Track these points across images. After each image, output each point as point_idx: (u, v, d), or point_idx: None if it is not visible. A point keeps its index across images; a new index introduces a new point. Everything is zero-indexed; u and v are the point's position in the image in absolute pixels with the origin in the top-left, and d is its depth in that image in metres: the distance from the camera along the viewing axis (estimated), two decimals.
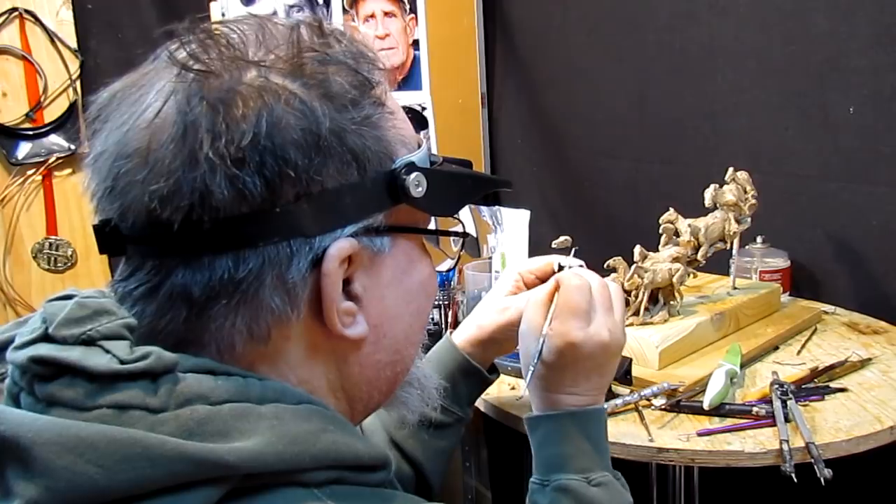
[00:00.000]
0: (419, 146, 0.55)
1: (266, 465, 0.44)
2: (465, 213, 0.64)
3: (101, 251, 0.50)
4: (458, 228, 0.63)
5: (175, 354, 0.46)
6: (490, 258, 1.65)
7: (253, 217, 0.46)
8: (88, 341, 0.45)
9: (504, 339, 0.91)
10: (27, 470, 0.41)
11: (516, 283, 0.93)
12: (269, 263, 0.47)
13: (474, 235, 0.68)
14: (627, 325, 1.21)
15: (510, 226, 1.68)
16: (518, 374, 1.20)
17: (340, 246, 0.49)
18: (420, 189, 0.52)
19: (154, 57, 0.51)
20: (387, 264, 0.54)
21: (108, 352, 0.44)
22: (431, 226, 0.60)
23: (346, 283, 0.51)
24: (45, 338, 0.45)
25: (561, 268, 0.89)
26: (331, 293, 0.50)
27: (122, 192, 0.47)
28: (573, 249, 0.92)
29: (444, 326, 1.63)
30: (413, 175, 0.52)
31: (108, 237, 0.49)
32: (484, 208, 0.67)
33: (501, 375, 1.02)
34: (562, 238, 0.91)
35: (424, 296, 0.59)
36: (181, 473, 0.41)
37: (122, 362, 0.44)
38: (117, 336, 0.46)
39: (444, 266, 0.64)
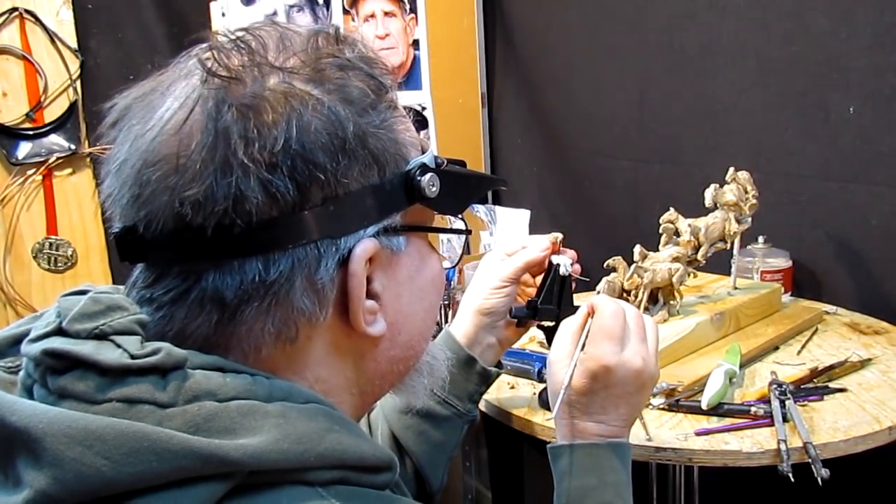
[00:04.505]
0: (423, 148, 0.57)
1: (271, 463, 0.44)
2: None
3: (122, 258, 0.51)
4: (461, 226, 0.64)
5: (185, 351, 0.47)
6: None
7: (283, 220, 0.47)
8: (101, 336, 0.46)
9: (494, 310, 0.91)
10: (37, 460, 0.41)
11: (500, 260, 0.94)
12: (298, 265, 0.49)
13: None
14: None
15: (510, 226, 1.68)
16: (519, 374, 1.20)
17: (365, 246, 0.51)
18: (434, 189, 0.54)
19: (175, 62, 0.52)
20: (403, 263, 0.56)
21: (119, 346, 0.45)
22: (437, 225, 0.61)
23: (367, 282, 0.53)
24: (59, 331, 0.46)
25: (552, 264, 0.89)
26: (357, 292, 0.51)
27: (149, 200, 0.48)
28: (559, 238, 0.93)
29: (444, 326, 1.63)
30: (428, 176, 0.54)
31: (130, 244, 0.50)
32: (479, 206, 0.69)
33: (502, 375, 1.02)
34: (553, 235, 0.92)
35: (435, 292, 0.61)
36: (187, 468, 0.42)
37: (132, 357, 0.45)
38: (129, 331, 0.46)
39: (445, 264, 0.65)
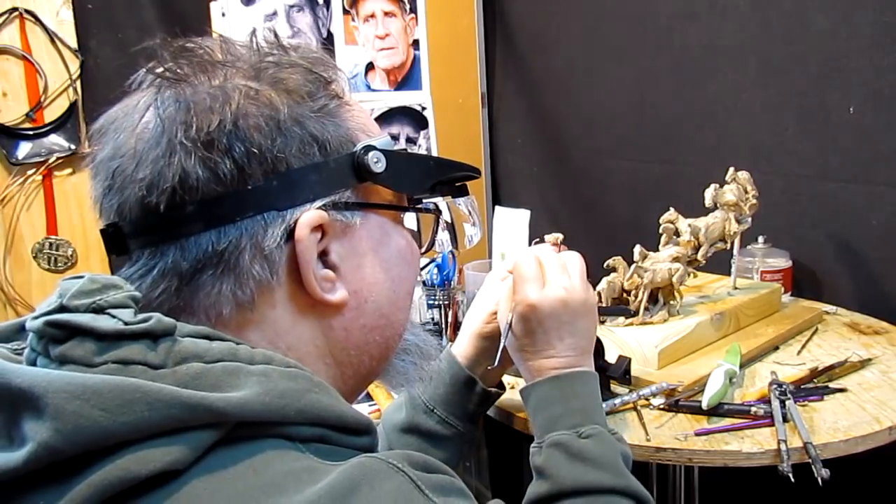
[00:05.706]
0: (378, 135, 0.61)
1: (253, 414, 0.48)
2: (444, 209, 0.70)
3: (109, 252, 0.57)
4: (439, 217, 0.68)
5: (174, 320, 0.51)
6: (489, 257, 1.65)
7: (228, 196, 0.53)
8: (98, 310, 0.50)
9: (494, 334, 0.92)
10: (40, 415, 0.45)
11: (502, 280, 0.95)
12: (246, 234, 0.54)
13: (450, 222, 0.73)
14: (626, 325, 1.21)
15: (510, 226, 1.67)
16: (517, 374, 1.20)
17: (310, 216, 0.55)
18: (380, 165, 0.58)
19: (138, 82, 0.57)
20: (360, 236, 0.59)
21: (114, 317, 0.49)
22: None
23: (325, 253, 0.57)
24: (60, 309, 0.50)
25: None
26: (305, 257, 0.55)
27: (119, 189, 0.55)
28: (559, 238, 0.93)
29: (444, 326, 1.63)
30: (371, 153, 0.58)
31: (113, 238, 0.56)
32: (460, 200, 0.72)
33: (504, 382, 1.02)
34: (553, 235, 0.92)
35: (405, 265, 0.64)
36: (176, 417, 0.46)
37: (126, 324, 0.49)
38: (123, 305, 0.51)
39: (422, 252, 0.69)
